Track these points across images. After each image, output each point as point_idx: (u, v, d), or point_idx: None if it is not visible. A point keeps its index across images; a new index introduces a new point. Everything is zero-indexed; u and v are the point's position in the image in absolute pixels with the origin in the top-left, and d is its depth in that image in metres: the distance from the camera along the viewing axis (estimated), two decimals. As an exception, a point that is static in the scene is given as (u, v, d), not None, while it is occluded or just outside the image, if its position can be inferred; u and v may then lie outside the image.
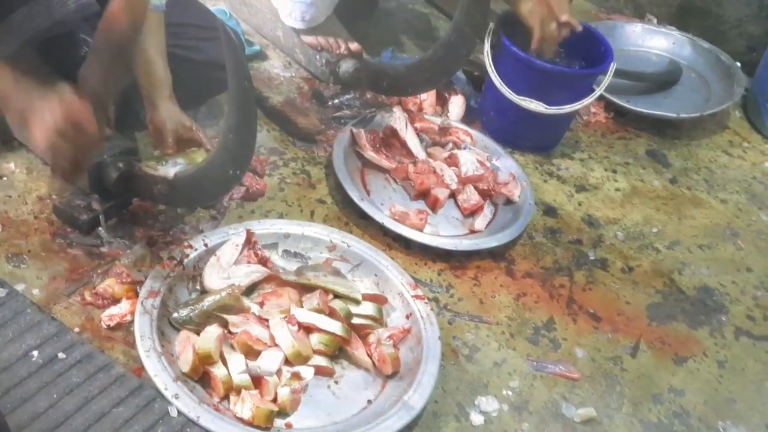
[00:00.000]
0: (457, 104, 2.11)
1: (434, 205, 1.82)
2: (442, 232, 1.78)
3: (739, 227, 2.04)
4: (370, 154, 1.87)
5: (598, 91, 1.99)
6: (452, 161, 1.91)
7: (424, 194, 1.84)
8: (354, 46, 2.08)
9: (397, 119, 1.94)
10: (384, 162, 1.88)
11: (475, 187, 1.86)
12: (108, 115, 1.44)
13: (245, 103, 1.28)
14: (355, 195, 1.72)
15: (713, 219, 2.05)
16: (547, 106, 1.96)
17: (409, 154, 1.91)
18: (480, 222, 1.81)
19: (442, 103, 2.12)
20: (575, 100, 1.98)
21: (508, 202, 1.87)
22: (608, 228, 1.93)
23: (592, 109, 2.30)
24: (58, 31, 1.43)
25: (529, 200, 1.86)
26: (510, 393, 1.47)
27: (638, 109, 2.27)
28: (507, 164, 1.97)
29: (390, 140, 1.93)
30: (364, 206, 1.71)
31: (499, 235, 1.75)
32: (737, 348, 1.70)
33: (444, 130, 2.00)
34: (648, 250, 1.89)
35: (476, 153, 1.95)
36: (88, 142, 1.34)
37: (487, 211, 1.84)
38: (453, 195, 1.85)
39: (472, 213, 1.83)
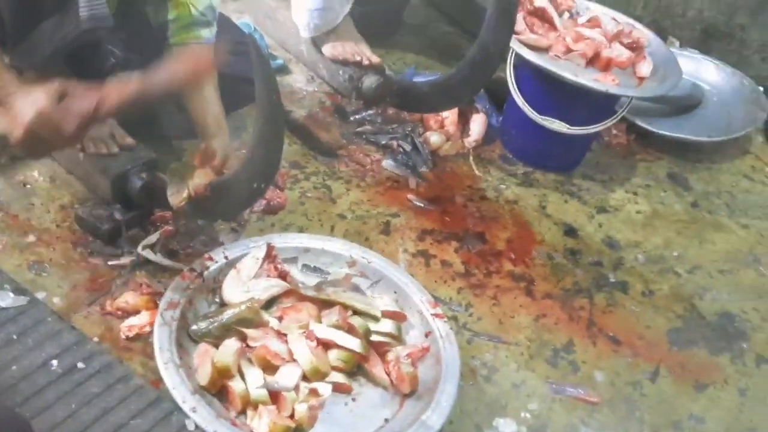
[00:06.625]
0: (478, 122, 2.10)
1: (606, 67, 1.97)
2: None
3: (760, 253, 2.01)
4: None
5: (621, 112, 1.98)
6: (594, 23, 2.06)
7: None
8: (374, 59, 2.08)
9: None
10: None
11: (620, 43, 2.02)
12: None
13: (274, 118, 1.29)
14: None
15: (734, 244, 2.03)
16: (570, 126, 1.96)
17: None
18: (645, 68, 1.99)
19: (464, 121, 2.11)
20: (597, 120, 1.98)
21: None
22: (629, 250, 1.91)
23: (614, 131, 2.28)
24: (84, 40, 1.44)
25: None
26: (528, 415, 1.45)
27: (660, 132, 2.26)
28: None
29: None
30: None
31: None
32: (759, 376, 1.67)
33: None
34: (668, 274, 1.87)
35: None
36: (60, 142, 1.32)
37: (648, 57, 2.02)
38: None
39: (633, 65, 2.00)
